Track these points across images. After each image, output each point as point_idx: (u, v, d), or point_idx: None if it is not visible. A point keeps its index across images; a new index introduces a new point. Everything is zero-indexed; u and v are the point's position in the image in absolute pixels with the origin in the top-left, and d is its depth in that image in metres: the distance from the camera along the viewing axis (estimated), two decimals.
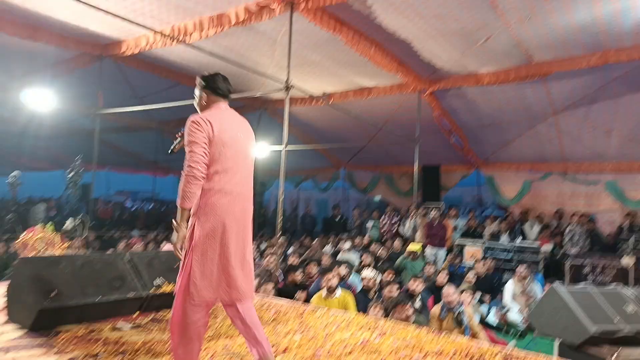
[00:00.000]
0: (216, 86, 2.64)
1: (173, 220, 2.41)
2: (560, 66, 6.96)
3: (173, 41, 6.63)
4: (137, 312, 3.86)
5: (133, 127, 11.47)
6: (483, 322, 5.91)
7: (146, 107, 8.16)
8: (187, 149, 2.43)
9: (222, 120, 2.53)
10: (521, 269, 6.97)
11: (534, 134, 9.72)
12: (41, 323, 3.24)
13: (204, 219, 2.43)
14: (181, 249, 2.45)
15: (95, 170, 8.60)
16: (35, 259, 3.59)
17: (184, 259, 2.47)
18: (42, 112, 8.07)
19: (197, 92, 2.67)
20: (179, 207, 2.39)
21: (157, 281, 3.88)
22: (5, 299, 3.57)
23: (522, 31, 6.21)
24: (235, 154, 2.53)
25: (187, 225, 2.43)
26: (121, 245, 8.43)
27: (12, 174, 6.66)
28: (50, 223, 5.63)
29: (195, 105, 2.70)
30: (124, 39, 7.24)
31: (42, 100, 7.22)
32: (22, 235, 5.50)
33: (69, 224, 5.73)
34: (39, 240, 5.26)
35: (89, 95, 8.62)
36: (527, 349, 5.32)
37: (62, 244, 5.54)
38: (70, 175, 5.93)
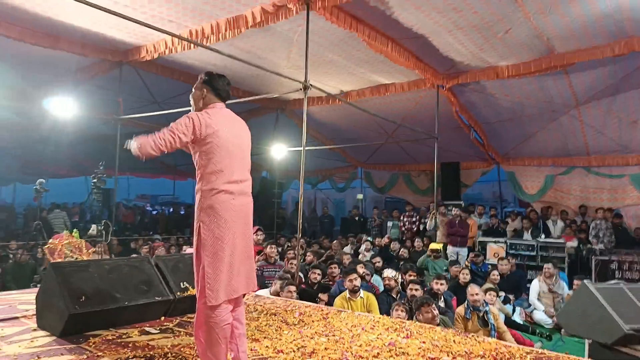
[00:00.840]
0: (218, 86, 2.64)
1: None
2: (583, 56, 6.78)
3: (191, 45, 6.67)
4: (163, 316, 3.89)
5: (152, 132, 11.58)
6: (508, 321, 5.80)
7: (165, 112, 8.24)
8: (166, 129, 2.45)
9: (218, 121, 2.54)
10: (548, 267, 6.83)
11: (555, 127, 9.51)
12: (71, 328, 3.28)
13: (208, 220, 2.47)
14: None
15: (117, 176, 8.71)
16: (64, 264, 3.63)
17: (197, 263, 2.52)
18: (64, 120, 8.21)
19: (197, 85, 2.67)
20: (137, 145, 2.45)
21: (183, 285, 3.90)
22: (35, 305, 3.63)
23: (542, 22, 6.08)
24: (230, 153, 2.55)
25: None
26: (144, 249, 8.52)
27: (38, 181, 6.79)
28: (75, 229, 5.74)
29: (190, 97, 2.70)
30: (143, 44, 7.31)
31: (63, 108, 7.34)
32: (49, 242, 5.60)
33: (93, 229, 5.82)
34: (66, 246, 5.35)
35: (109, 101, 8.74)
36: (554, 349, 5.21)
37: (89, 250, 5.63)
38: (94, 180, 6.02)
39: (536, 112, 9.18)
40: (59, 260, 5.18)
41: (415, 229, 10.43)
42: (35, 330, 3.47)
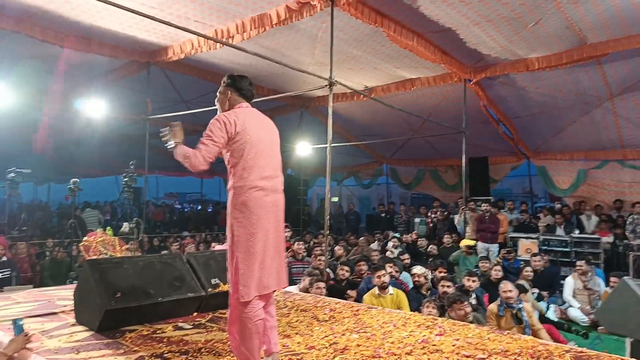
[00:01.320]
0: (241, 87, 2.69)
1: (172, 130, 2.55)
2: (617, 46, 6.55)
3: (216, 44, 6.74)
4: (195, 312, 3.94)
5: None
6: (542, 319, 5.66)
7: (192, 111, 8.36)
8: (202, 139, 2.48)
9: (245, 119, 2.58)
10: (580, 265, 6.64)
11: (588, 120, 9.23)
12: (108, 323, 3.36)
13: (241, 217, 2.50)
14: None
15: (146, 175, 8.89)
16: (100, 261, 3.73)
17: (230, 259, 2.55)
18: (95, 121, 8.41)
19: (221, 89, 2.72)
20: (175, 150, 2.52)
21: (214, 281, 3.95)
22: (73, 301, 3.73)
23: (574, 12, 5.89)
24: (260, 151, 2.58)
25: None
26: (174, 246, 8.67)
27: (72, 180, 7.00)
28: (109, 227, 5.90)
29: (216, 102, 2.75)
30: (170, 45, 7.43)
31: (95, 109, 7.53)
32: (84, 239, 5.77)
33: (125, 227, 5.95)
34: (101, 243, 5.50)
35: (138, 102, 8.92)
36: (591, 347, 5.06)
37: (122, 247, 5.78)
38: (125, 179, 6.16)
39: (568, 105, 8.93)
40: (94, 257, 5.33)
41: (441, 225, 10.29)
42: (73, 325, 3.57)
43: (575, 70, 7.64)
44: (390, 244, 8.66)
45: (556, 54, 7.13)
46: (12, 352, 2.90)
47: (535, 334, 4.57)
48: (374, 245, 9.10)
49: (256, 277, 2.49)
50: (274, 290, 2.76)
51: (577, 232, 8.59)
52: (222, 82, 2.74)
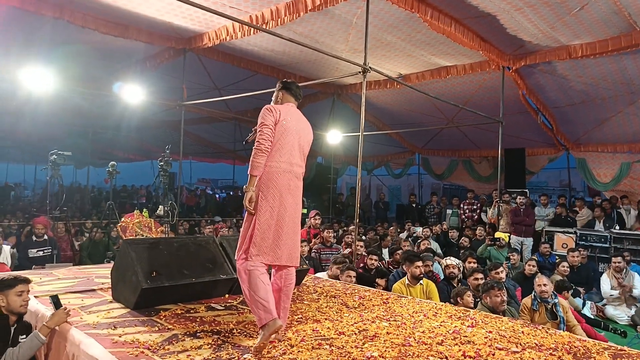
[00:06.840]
0: (291, 88, 3.24)
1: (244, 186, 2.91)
2: None
3: (251, 30, 6.76)
4: (227, 294, 4.01)
5: (213, 118, 11.96)
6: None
7: (225, 97, 8.44)
8: (258, 128, 2.92)
9: (288, 112, 3.04)
10: (617, 260, 6.39)
11: (634, 111, 8.82)
12: (143, 302, 3.45)
13: (265, 189, 2.89)
14: (249, 205, 2.88)
15: (181, 160, 9.06)
16: (138, 241, 3.82)
17: (246, 225, 2.90)
18: (133, 107, 8.59)
19: (276, 91, 3.24)
20: (249, 174, 2.86)
21: None
22: (110, 279, 3.86)
23: None
24: (292, 140, 3.00)
25: (254, 189, 2.86)
26: (207, 229, 8.85)
27: (110, 163, 7.22)
28: (145, 209, 6.06)
29: (272, 98, 3.27)
30: (205, 31, 7.50)
31: (132, 95, 7.70)
32: (122, 220, 5.96)
33: (160, 209, 6.11)
34: (137, 225, 5.67)
35: (173, 88, 9.07)
36: (630, 346, 4.87)
37: (157, 228, 5.94)
38: (160, 164, 6.32)
39: (612, 95, 8.54)
40: (131, 237, 5.50)
41: (476, 217, 10.09)
42: (111, 302, 3.69)
43: (622, 58, 7.28)
44: (421, 233, 8.56)
45: (602, 40, 6.81)
46: (54, 324, 3.04)
47: (570, 330, 4.45)
48: (403, 235, 9.03)
49: (269, 244, 2.82)
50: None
51: (617, 227, 8.27)
52: (277, 85, 3.26)
